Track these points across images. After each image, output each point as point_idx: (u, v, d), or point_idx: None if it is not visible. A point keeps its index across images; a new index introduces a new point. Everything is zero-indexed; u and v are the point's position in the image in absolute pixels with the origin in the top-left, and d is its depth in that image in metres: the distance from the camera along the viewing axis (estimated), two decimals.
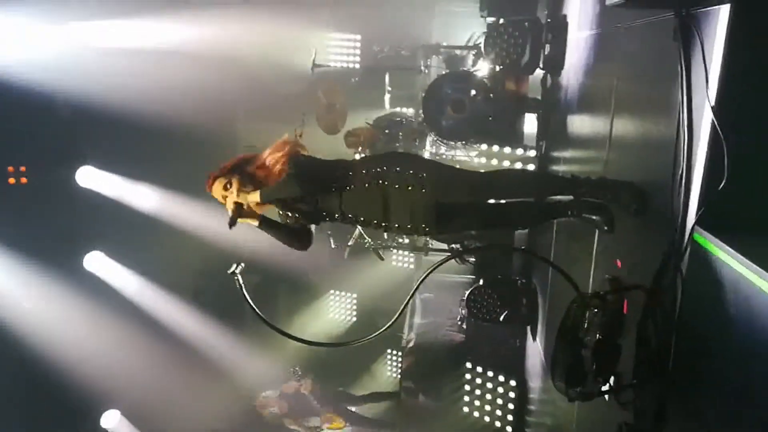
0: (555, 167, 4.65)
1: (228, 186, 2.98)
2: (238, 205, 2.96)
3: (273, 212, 3.16)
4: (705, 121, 2.01)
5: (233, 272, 2.90)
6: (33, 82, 5.33)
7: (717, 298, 1.90)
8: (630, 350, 2.37)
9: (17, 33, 5.36)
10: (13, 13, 5.26)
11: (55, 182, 6.20)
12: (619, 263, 2.78)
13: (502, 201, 3.59)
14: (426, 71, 6.63)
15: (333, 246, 6.47)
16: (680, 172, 2.14)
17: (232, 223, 2.95)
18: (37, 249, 5.73)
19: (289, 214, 3.08)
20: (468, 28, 6.71)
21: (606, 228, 2.90)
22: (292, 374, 6.84)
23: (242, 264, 2.93)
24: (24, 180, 5.83)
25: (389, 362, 8.28)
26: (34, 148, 5.92)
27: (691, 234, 2.04)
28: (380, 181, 2.94)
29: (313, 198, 2.99)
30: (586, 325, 2.53)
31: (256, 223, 3.00)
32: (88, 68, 5.76)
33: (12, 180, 5.78)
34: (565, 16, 4.57)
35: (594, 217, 2.94)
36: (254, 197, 2.98)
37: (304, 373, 6.88)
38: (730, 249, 1.81)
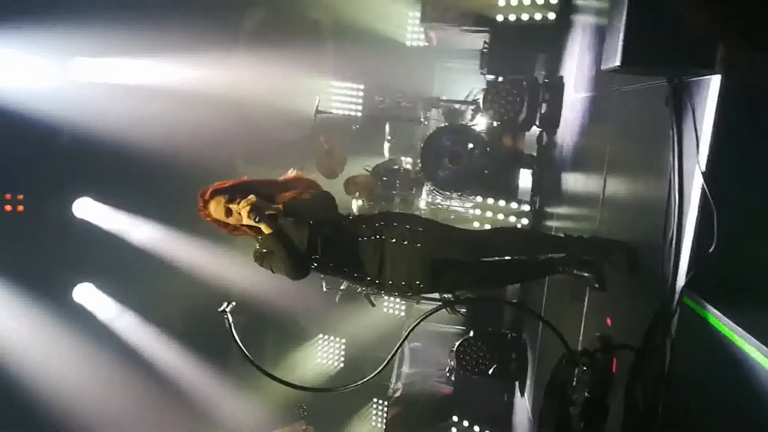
0: (548, 222, 4.71)
1: (236, 200, 2.90)
2: (256, 206, 2.87)
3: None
4: (695, 186, 2.07)
5: (223, 310, 2.88)
6: (36, 113, 5.42)
7: (705, 360, 1.91)
8: (618, 410, 2.35)
9: (24, 65, 5.50)
10: (23, 46, 5.41)
11: (52, 212, 6.22)
12: (609, 321, 2.79)
13: (495, 258, 3.63)
14: (425, 123, 6.75)
15: (325, 289, 6.43)
16: (671, 234, 2.18)
17: (260, 217, 2.86)
18: (28, 277, 5.70)
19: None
20: (467, 84, 6.89)
21: (597, 286, 2.92)
22: (298, 413, 6.55)
23: (233, 303, 2.92)
24: (20, 208, 5.85)
25: (375, 411, 8.11)
26: (33, 177, 5.96)
27: (680, 296, 2.06)
28: (377, 236, 2.96)
29: (316, 235, 2.94)
30: (574, 383, 2.53)
31: (268, 230, 2.88)
32: (91, 103, 5.86)
33: (8, 207, 5.80)
34: (561, 78, 4.72)
35: (585, 275, 2.96)
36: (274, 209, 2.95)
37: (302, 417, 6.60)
38: (718, 313, 1.83)
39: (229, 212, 2.93)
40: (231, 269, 6.41)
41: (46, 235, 6.06)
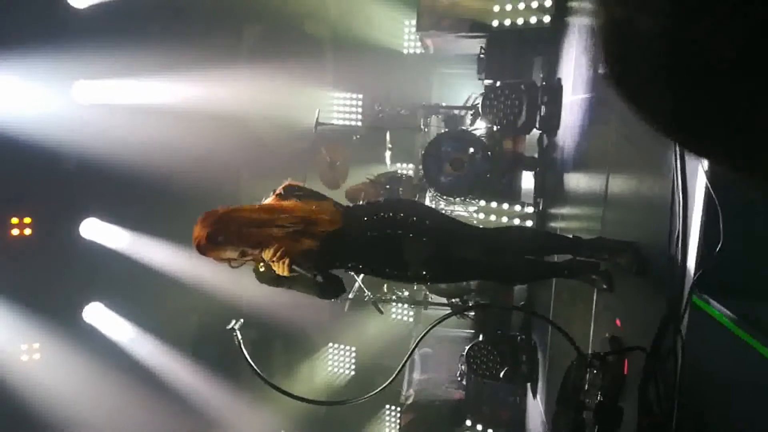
0: (553, 224, 4.71)
1: (258, 249, 2.72)
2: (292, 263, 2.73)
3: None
4: (699, 185, 2.07)
5: (232, 328, 2.90)
6: (40, 137, 5.45)
7: (718, 360, 1.91)
8: (632, 412, 2.35)
9: (27, 91, 5.54)
10: (23, 72, 5.46)
11: (59, 234, 6.25)
12: (619, 323, 2.79)
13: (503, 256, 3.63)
14: (425, 130, 6.77)
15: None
16: (677, 234, 2.18)
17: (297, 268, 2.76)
18: (38, 300, 5.73)
19: (297, 270, 2.86)
20: (466, 89, 6.90)
21: (605, 287, 2.93)
22: None
23: (241, 320, 2.93)
24: (28, 231, 5.88)
25: (388, 418, 8.10)
26: (40, 200, 6.00)
27: (689, 296, 2.06)
28: (382, 228, 2.88)
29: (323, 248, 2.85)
30: (586, 387, 2.52)
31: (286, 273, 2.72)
32: (94, 125, 5.90)
33: (16, 231, 5.83)
34: (559, 80, 4.73)
35: (593, 277, 2.97)
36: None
37: None
38: (728, 312, 1.84)
39: (244, 254, 2.73)
40: (238, 284, 6.42)
41: (55, 258, 6.08)
